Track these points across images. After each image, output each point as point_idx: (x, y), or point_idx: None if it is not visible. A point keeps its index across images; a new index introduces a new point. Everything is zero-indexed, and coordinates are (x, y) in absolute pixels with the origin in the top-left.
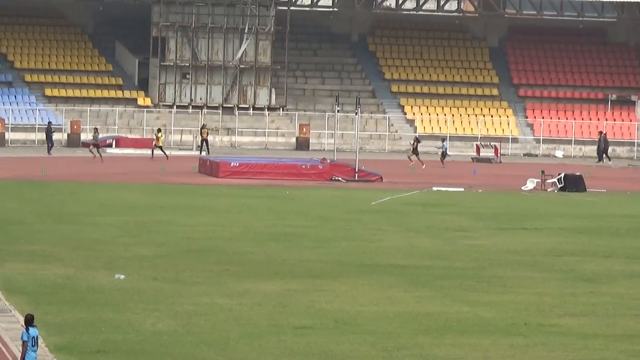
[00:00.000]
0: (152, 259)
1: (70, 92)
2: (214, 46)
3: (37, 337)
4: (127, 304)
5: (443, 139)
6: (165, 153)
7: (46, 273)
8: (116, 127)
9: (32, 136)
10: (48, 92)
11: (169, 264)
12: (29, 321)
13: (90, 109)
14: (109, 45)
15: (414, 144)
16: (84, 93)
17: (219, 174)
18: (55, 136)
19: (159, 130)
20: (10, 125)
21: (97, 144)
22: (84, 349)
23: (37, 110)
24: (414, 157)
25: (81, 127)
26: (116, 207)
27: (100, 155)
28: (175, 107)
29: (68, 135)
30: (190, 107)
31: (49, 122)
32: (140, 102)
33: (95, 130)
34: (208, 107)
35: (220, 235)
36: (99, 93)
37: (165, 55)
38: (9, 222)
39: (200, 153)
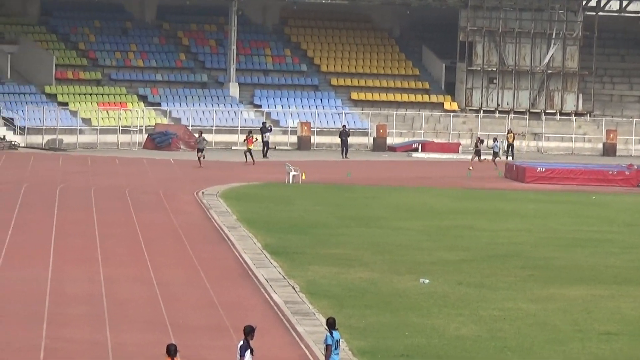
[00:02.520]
0: (456, 264)
1: (376, 96)
2: (521, 51)
3: (339, 340)
4: (431, 308)
5: (495, 139)
6: (252, 158)
7: (350, 277)
8: (422, 132)
9: (337, 140)
10: (354, 95)
11: (473, 268)
12: (333, 324)
13: (396, 113)
14: (416, 50)
15: (477, 144)
16: (390, 97)
17: (525, 179)
18: (361, 140)
19: (250, 132)
20: (315, 129)
21: (203, 149)
22: (388, 353)
23: (343, 114)
24: (480, 159)
25: (387, 131)
26: (420, 211)
27: (200, 161)
28: (481, 111)
29: (374, 139)
30: (497, 112)
31: (343, 126)
32: (446, 106)
33: (200, 133)
34: (515, 112)
35: (525, 241)
36: (405, 97)
37: (472, 60)
38: (314, 225)
39: (507, 158)
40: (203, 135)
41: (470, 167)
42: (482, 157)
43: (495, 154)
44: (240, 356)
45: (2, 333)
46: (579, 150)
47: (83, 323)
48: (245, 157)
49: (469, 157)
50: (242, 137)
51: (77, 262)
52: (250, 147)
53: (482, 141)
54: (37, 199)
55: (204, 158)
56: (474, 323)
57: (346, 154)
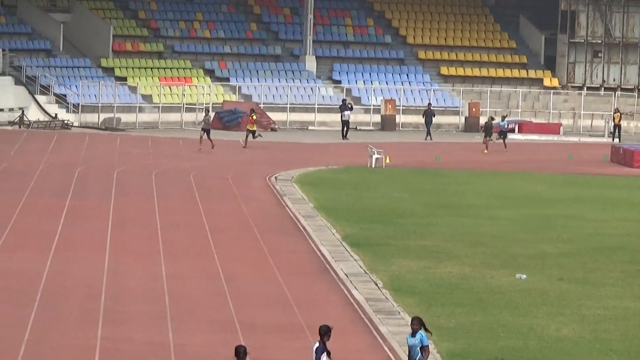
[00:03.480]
0: (556, 257)
1: (468, 71)
2: (630, 21)
3: None
4: (528, 306)
5: (503, 117)
6: (247, 139)
7: (439, 271)
8: (519, 111)
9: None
10: (444, 70)
11: (575, 262)
12: (424, 325)
13: (490, 90)
14: (513, 20)
15: (488, 122)
16: (484, 72)
17: (633, 164)
18: (451, 120)
19: (252, 111)
20: (401, 107)
21: (209, 130)
22: (480, 356)
23: (432, 91)
24: (494, 140)
25: (480, 109)
26: (517, 198)
27: (201, 142)
28: (585, 88)
29: (465, 118)
30: (602, 88)
31: (429, 104)
32: (546, 82)
33: (207, 111)
34: (622, 89)
35: (633, 232)
36: (500, 72)
37: (574, 31)
38: (400, 214)
39: (613, 140)
40: (210, 114)
41: (486, 150)
42: (492, 137)
43: (503, 134)
44: (316, 359)
45: (53, 333)
46: None
47: (143, 322)
48: (246, 138)
49: (570, 138)
50: (320, 116)
51: (137, 255)
52: (253, 128)
53: (493, 119)
54: (92, 184)
55: (201, 141)
56: (576, 323)
57: (427, 135)
